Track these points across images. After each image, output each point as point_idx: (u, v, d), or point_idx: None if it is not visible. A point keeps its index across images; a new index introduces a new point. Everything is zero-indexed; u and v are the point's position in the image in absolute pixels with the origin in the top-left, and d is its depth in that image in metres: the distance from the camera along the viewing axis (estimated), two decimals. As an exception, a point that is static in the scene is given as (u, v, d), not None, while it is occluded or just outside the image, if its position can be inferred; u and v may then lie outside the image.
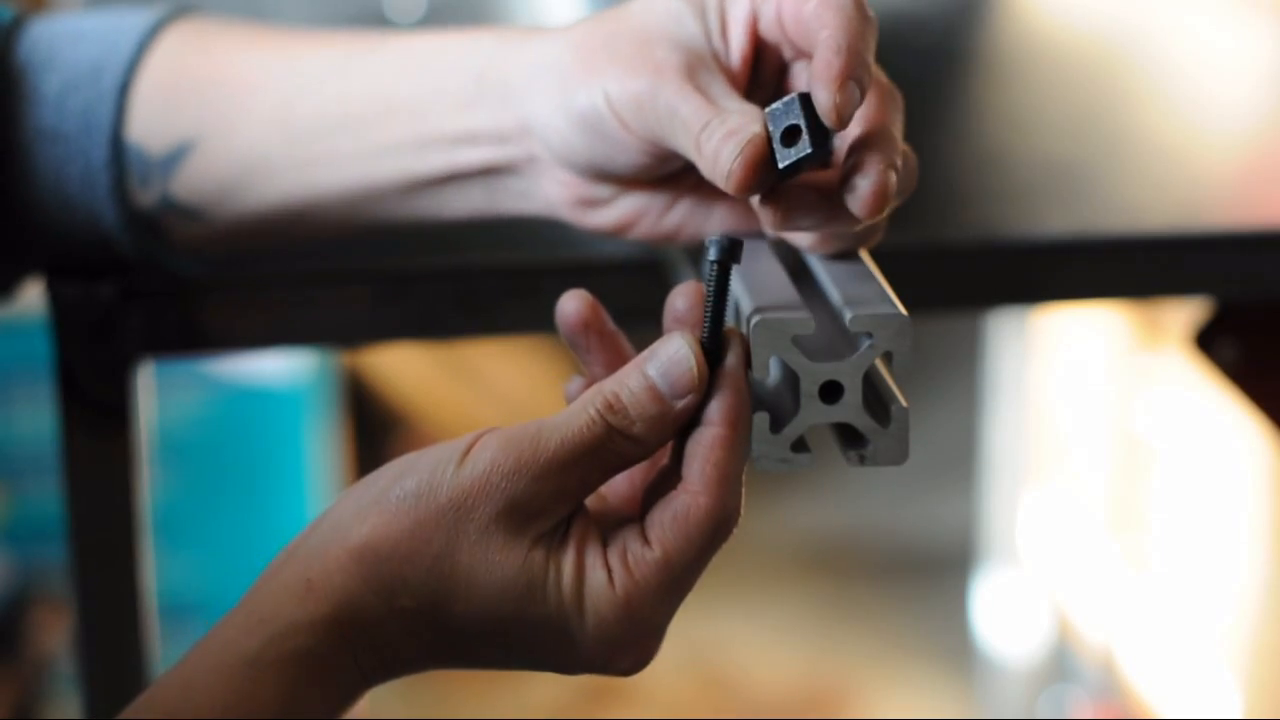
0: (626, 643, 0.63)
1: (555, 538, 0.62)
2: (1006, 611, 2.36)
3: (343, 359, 2.34)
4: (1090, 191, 0.99)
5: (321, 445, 2.16)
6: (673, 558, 0.62)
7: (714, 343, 0.63)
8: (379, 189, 0.77)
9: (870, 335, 0.63)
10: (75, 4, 1.25)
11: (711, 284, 0.63)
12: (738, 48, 0.70)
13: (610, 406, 0.62)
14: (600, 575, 0.62)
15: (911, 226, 0.92)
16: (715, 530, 0.62)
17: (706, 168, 0.66)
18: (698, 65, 0.68)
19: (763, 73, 0.71)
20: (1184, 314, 1.48)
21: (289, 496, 2.14)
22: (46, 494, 2.05)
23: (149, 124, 0.80)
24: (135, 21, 0.82)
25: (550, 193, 0.74)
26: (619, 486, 0.66)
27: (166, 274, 0.85)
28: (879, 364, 0.65)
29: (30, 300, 0.88)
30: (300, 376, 2.14)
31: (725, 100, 0.67)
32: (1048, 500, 2.33)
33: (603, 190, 0.73)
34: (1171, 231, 0.94)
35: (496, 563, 0.61)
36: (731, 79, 0.69)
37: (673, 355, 0.62)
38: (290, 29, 0.81)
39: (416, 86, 0.75)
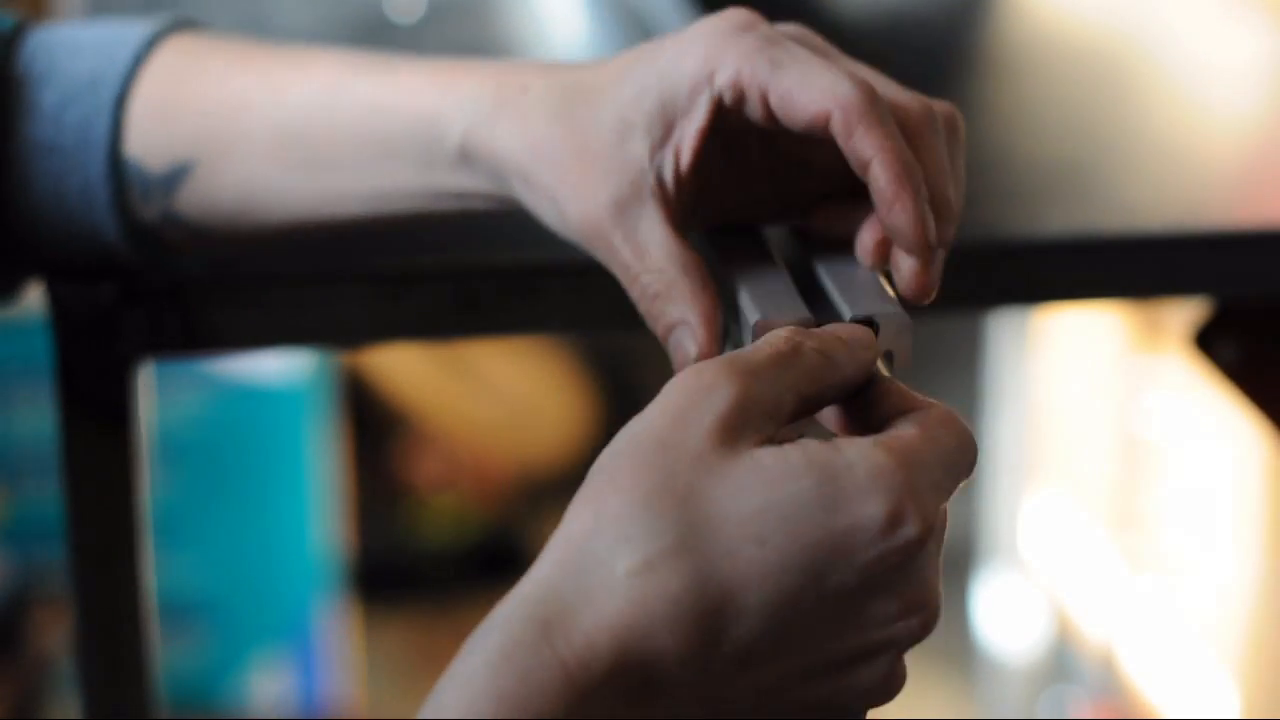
0: (895, 483, 0.55)
1: (775, 438, 0.56)
2: (1006, 611, 2.36)
3: (343, 359, 2.34)
4: (1090, 191, 0.99)
5: (321, 445, 2.16)
6: (930, 433, 0.57)
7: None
8: (387, 215, 0.77)
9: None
10: (76, 11, 1.25)
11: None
12: (689, 153, 0.67)
13: (795, 332, 0.58)
14: (855, 441, 0.56)
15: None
16: (960, 437, 0.58)
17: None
18: (632, 196, 0.67)
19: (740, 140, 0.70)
20: (1184, 314, 1.48)
21: (289, 496, 2.14)
22: (46, 494, 2.05)
23: (146, 140, 0.80)
24: (132, 35, 0.81)
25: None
26: None
27: (166, 274, 0.85)
28: (880, 364, 0.65)
29: (30, 300, 0.89)
30: (300, 376, 2.14)
31: (651, 248, 0.66)
32: (1048, 500, 2.33)
33: None
34: (1171, 231, 0.94)
35: (732, 468, 0.54)
36: (681, 181, 0.68)
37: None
38: (278, 47, 0.81)
39: (406, 141, 0.74)
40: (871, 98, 0.64)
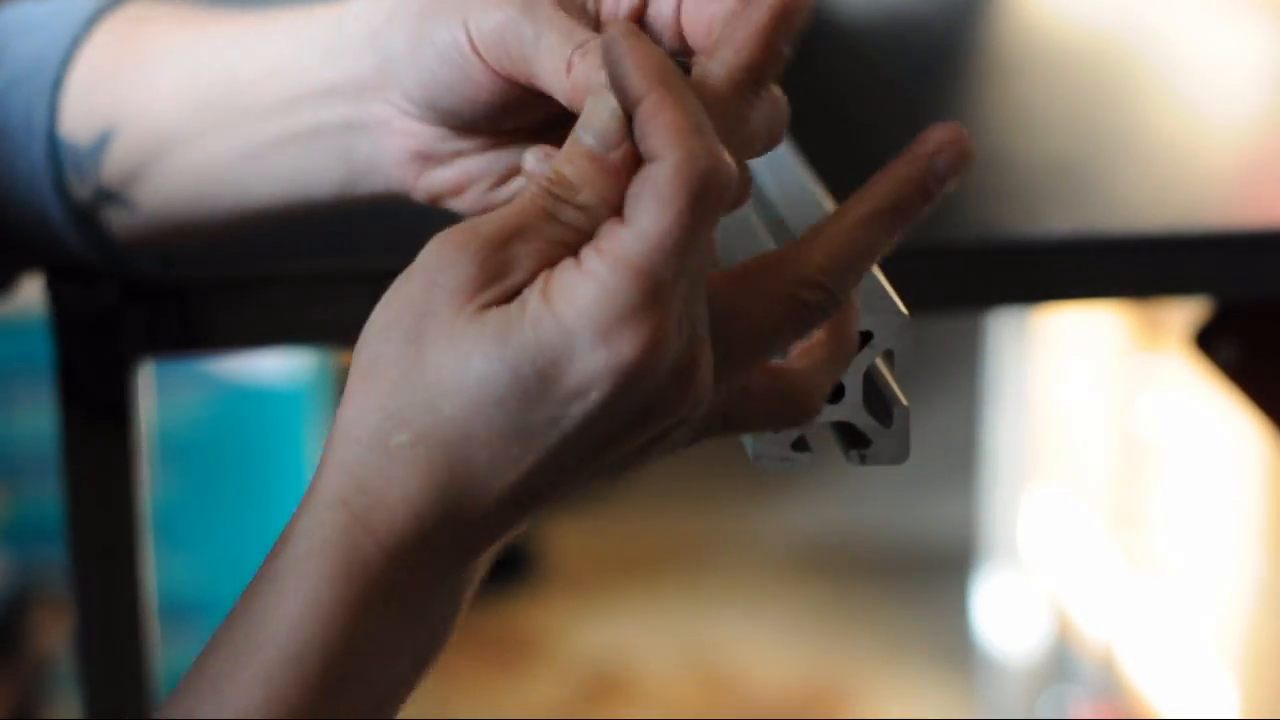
0: (624, 314, 0.53)
1: (514, 296, 0.55)
2: (1006, 611, 2.37)
3: (343, 359, 2.34)
4: (1090, 191, 0.99)
5: (321, 445, 2.16)
6: (659, 222, 0.53)
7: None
8: (258, 151, 0.74)
9: (870, 335, 0.63)
10: None
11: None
12: None
13: (551, 181, 0.56)
14: (570, 270, 0.54)
15: (911, 226, 0.92)
16: (695, 185, 0.53)
17: (574, 95, 0.62)
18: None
19: None
20: (1184, 314, 1.48)
21: (289, 496, 2.14)
22: (46, 494, 2.05)
23: (76, 116, 0.79)
24: (78, 12, 0.80)
25: (392, 149, 0.71)
26: None
27: (166, 274, 0.85)
28: (879, 363, 0.65)
29: (30, 300, 0.88)
30: (300, 376, 2.14)
31: (579, 29, 0.63)
32: (1048, 500, 2.33)
33: (445, 144, 0.70)
34: (1171, 231, 0.94)
35: (460, 337, 0.55)
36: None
37: (597, 110, 0.56)
38: (224, 11, 0.80)
39: (295, 46, 0.73)
40: None
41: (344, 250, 0.88)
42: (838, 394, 0.63)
